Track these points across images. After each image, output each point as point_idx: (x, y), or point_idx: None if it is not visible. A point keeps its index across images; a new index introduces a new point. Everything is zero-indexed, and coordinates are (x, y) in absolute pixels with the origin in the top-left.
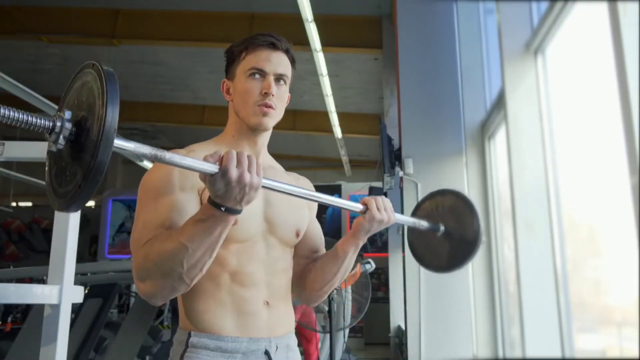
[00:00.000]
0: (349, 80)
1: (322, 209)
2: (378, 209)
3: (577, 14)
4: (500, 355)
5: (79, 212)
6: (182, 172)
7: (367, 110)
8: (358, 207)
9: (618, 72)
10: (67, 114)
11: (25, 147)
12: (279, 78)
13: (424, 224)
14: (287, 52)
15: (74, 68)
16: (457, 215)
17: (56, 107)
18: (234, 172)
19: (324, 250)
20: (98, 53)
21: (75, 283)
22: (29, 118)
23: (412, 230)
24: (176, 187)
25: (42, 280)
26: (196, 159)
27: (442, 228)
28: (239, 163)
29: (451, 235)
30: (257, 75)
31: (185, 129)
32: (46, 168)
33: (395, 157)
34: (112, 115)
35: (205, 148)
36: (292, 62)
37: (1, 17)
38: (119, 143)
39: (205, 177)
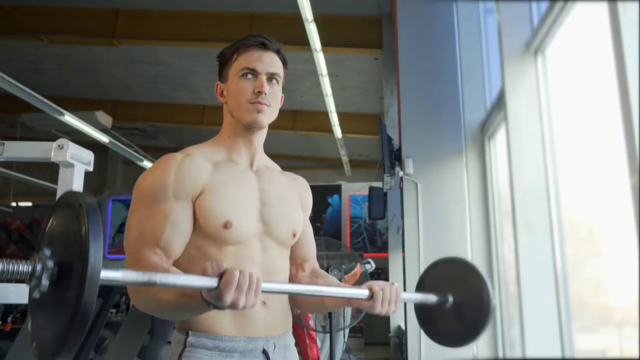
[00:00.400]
0: (349, 80)
1: (322, 208)
2: (383, 302)
3: (577, 14)
4: (500, 355)
5: None
6: (177, 178)
7: (367, 110)
8: (363, 294)
9: (618, 72)
10: (47, 254)
11: (25, 147)
12: (271, 77)
13: (432, 298)
14: (278, 52)
15: (74, 68)
16: (464, 283)
17: (56, 107)
18: (230, 297)
19: (313, 259)
20: (98, 53)
21: None
22: (5, 266)
23: (420, 306)
24: (170, 195)
25: None
26: (191, 275)
27: (450, 299)
28: (238, 287)
29: (461, 305)
30: (249, 75)
31: (185, 129)
32: (28, 319)
33: (395, 157)
34: (96, 254)
35: (203, 150)
36: (284, 62)
37: (1, 17)
38: (106, 276)
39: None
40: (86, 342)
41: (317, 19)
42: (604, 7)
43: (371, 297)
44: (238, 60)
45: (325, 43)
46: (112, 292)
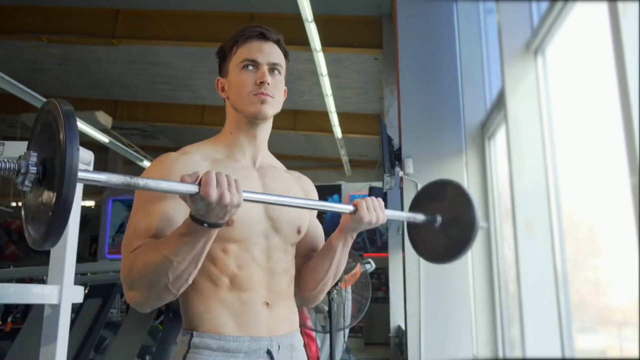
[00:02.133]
0: (349, 80)
1: None
2: (367, 209)
3: (577, 14)
4: (500, 355)
5: (79, 212)
6: (172, 176)
7: (367, 110)
8: (348, 208)
9: (618, 72)
10: (33, 155)
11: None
12: (272, 68)
13: (419, 217)
14: (278, 42)
15: (74, 68)
16: (453, 203)
17: None
18: (213, 194)
19: None
20: (98, 53)
21: (75, 283)
22: None
23: (412, 226)
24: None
25: (42, 280)
26: (173, 182)
27: (439, 219)
28: (218, 184)
29: (449, 224)
30: (250, 67)
31: (185, 128)
32: (22, 210)
33: (395, 157)
34: (72, 153)
35: (200, 149)
36: (285, 54)
37: (1, 17)
38: (88, 176)
39: (185, 197)
40: (86, 342)
41: (317, 19)
42: (604, 7)
43: (355, 210)
44: (238, 52)
45: (325, 43)
46: (112, 292)
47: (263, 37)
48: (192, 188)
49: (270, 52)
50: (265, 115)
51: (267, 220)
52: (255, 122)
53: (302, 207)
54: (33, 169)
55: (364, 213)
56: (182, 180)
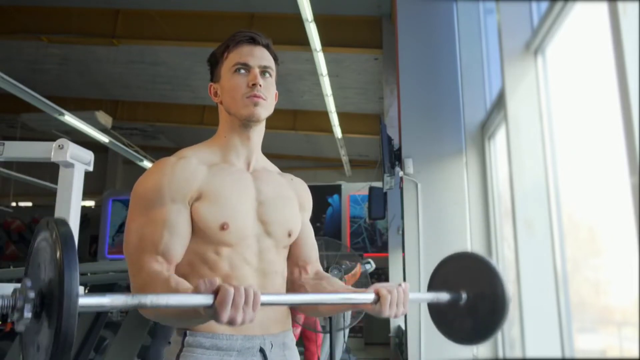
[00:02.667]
0: (349, 80)
1: (322, 208)
2: (390, 304)
3: (577, 14)
4: (500, 355)
5: (79, 212)
6: (171, 181)
7: (367, 110)
8: (369, 298)
9: (618, 72)
10: (29, 285)
11: (25, 147)
12: (263, 71)
13: (444, 296)
14: (267, 47)
15: (74, 68)
16: (478, 279)
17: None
18: (225, 316)
19: (316, 260)
20: (98, 53)
21: None
22: None
23: (434, 305)
24: (167, 199)
25: None
26: (184, 295)
27: (464, 296)
28: (234, 304)
29: (475, 301)
30: (242, 70)
31: (185, 129)
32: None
33: (395, 157)
34: (71, 281)
35: (197, 152)
36: (275, 58)
37: (1, 17)
38: (90, 303)
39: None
40: (86, 342)
41: (317, 19)
42: (604, 7)
43: (377, 300)
44: (229, 57)
45: (325, 43)
46: (112, 292)
47: (253, 41)
48: (207, 300)
49: (261, 56)
50: (259, 117)
51: (259, 224)
52: (248, 124)
53: (317, 303)
54: (29, 312)
55: (385, 309)
56: (198, 288)
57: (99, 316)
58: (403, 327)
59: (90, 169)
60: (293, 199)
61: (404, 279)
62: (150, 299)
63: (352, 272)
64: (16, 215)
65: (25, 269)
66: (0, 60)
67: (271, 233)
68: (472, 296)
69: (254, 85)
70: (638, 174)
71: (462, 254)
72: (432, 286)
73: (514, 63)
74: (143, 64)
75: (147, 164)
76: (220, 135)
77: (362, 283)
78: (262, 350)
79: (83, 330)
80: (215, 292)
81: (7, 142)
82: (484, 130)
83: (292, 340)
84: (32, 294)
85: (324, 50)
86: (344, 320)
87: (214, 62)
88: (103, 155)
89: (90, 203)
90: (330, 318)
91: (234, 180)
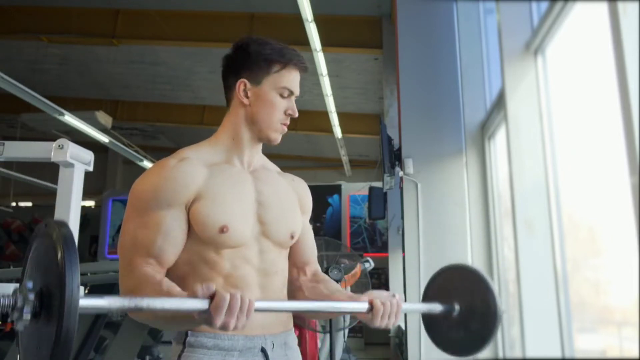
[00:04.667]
0: (349, 80)
1: (322, 208)
2: (382, 316)
3: (577, 14)
4: (500, 355)
5: (79, 212)
6: (169, 186)
7: (367, 110)
8: (362, 308)
9: (618, 72)
10: (29, 286)
11: (25, 147)
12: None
13: (437, 307)
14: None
15: (74, 68)
16: (470, 291)
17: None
18: (220, 320)
19: (315, 262)
20: (98, 53)
21: None
22: None
23: (427, 316)
24: (163, 204)
25: None
26: (180, 299)
27: (456, 307)
28: (229, 309)
29: (468, 313)
30: (286, 94)
31: (185, 128)
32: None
33: (395, 157)
34: (73, 285)
35: (198, 152)
36: None
37: (1, 17)
38: (89, 304)
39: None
40: (86, 342)
41: (317, 19)
42: (604, 7)
43: (370, 310)
44: (281, 73)
45: (325, 43)
46: (112, 292)
47: (303, 70)
48: (202, 305)
49: (300, 85)
50: (277, 142)
51: (259, 225)
52: (265, 143)
53: (313, 310)
54: (30, 304)
55: (377, 320)
56: (194, 292)
57: (99, 316)
58: (403, 327)
59: (90, 169)
60: (294, 200)
61: (404, 279)
62: (147, 302)
63: (352, 272)
64: (16, 215)
65: (23, 269)
66: (0, 60)
67: (271, 233)
68: (465, 309)
69: (291, 115)
70: (638, 174)
71: (458, 266)
72: (427, 296)
73: (514, 63)
74: (143, 64)
75: (147, 164)
76: (229, 136)
77: (363, 283)
78: (263, 350)
79: (83, 331)
80: (211, 297)
81: (7, 142)
82: (484, 130)
83: (293, 340)
84: (31, 295)
85: (324, 50)
86: (344, 320)
87: (256, 63)
88: (103, 155)
89: (90, 203)
90: (330, 318)
91: (235, 181)
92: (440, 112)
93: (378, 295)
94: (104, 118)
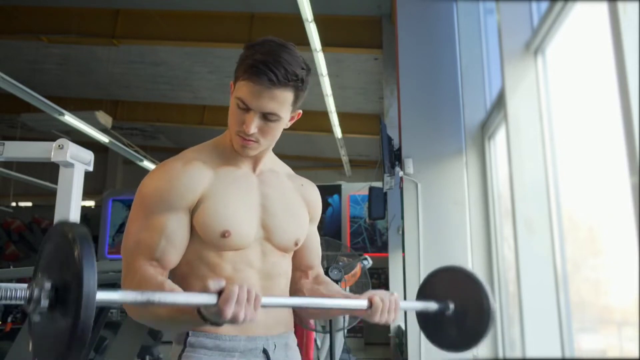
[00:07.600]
0: (349, 80)
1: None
2: (382, 312)
3: (577, 14)
4: (500, 355)
5: (79, 212)
6: (174, 189)
7: (367, 110)
8: (362, 305)
9: (618, 72)
10: (45, 279)
11: (25, 147)
12: (265, 115)
13: (432, 306)
14: (287, 83)
15: (74, 68)
16: (464, 291)
17: (56, 107)
18: (229, 312)
19: (318, 265)
20: (98, 53)
21: None
22: (4, 292)
23: (422, 314)
24: (168, 207)
25: None
26: (189, 293)
27: (451, 306)
28: (237, 301)
29: (462, 312)
30: (242, 106)
31: (185, 128)
32: (30, 342)
33: (395, 157)
34: (90, 278)
35: (203, 154)
36: (296, 90)
37: (1, 17)
38: (104, 298)
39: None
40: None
41: (317, 19)
42: (604, 7)
43: (370, 306)
44: (242, 82)
45: (325, 43)
46: None
47: (270, 83)
48: (211, 299)
49: (268, 101)
50: (247, 155)
51: (262, 230)
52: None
53: (315, 307)
54: (46, 295)
55: (376, 315)
56: (205, 287)
57: (99, 316)
58: (403, 327)
59: (90, 169)
60: (300, 206)
61: (404, 279)
62: (158, 297)
63: (352, 272)
64: (16, 215)
65: (36, 265)
66: (0, 60)
67: (275, 238)
68: (459, 307)
69: (243, 131)
70: (638, 174)
71: (451, 267)
72: (421, 295)
73: (514, 63)
74: (143, 64)
75: (147, 164)
76: (230, 139)
77: (363, 282)
78: (265, 351)
79: None
80: (219, 292)
81: (7, 142)
82: (484, 130)
83: (294, 341)
84: (48, 286)
85: (324, 50)
86: (344, 320)
87: (238, 66)
88: (103, 155)
89: (90, 203)
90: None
91: (239, 185)
92: (440, 112)
93: (376, 293)
94: (104, 118)
